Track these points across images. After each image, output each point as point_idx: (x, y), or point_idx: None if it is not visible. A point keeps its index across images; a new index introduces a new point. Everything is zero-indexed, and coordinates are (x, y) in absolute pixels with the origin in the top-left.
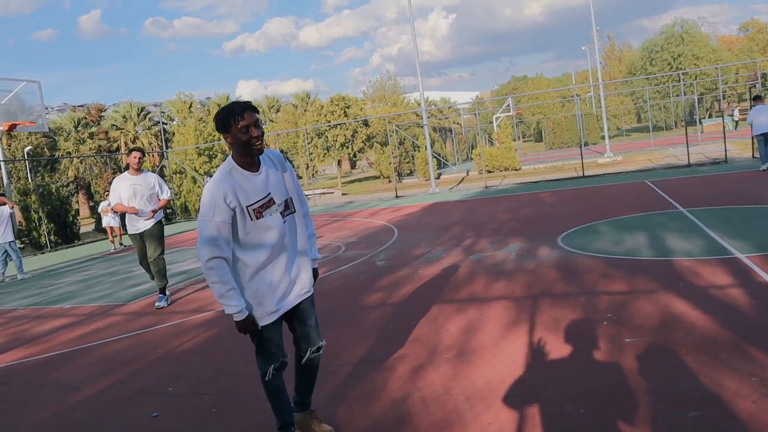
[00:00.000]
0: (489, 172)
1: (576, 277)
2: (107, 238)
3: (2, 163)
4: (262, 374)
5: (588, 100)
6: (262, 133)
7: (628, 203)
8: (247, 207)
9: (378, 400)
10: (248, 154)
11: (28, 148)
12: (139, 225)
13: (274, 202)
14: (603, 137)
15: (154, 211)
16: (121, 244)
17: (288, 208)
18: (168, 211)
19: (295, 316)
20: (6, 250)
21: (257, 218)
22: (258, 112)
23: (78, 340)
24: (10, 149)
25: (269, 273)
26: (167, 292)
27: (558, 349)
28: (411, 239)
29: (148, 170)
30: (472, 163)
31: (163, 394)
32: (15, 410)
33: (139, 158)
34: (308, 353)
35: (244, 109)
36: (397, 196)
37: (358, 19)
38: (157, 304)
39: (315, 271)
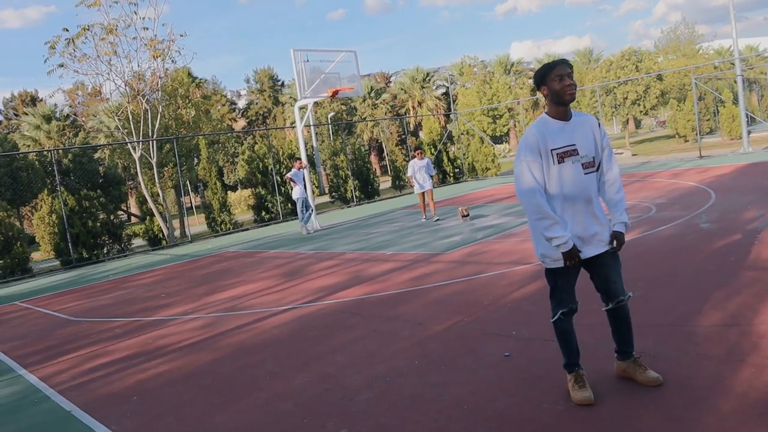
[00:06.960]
0: None
1: None
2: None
3: (313, 127)
4: (552, 315)
5: None
6: (575, 85)
7: None
8: (551, 150)
9: (753, 365)
10: (561, 102)
11: (331, 114)
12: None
13: (577, 153)
14: None
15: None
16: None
17: (592, 165)
18: (456, 170)
19: (595, 270)
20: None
21: (559, 162)
22: (571, 67)
23: (410, 282)
24: (316, 115)
25: (566, 220)
26: None
27: None
28: (734, 202)
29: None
30: None
31: (508, 337)
32: (374, 337)
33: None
34: (608, 304)
35: (557, 63)
36: (701, 156)
37: None
38: None
39: (620, 236)
